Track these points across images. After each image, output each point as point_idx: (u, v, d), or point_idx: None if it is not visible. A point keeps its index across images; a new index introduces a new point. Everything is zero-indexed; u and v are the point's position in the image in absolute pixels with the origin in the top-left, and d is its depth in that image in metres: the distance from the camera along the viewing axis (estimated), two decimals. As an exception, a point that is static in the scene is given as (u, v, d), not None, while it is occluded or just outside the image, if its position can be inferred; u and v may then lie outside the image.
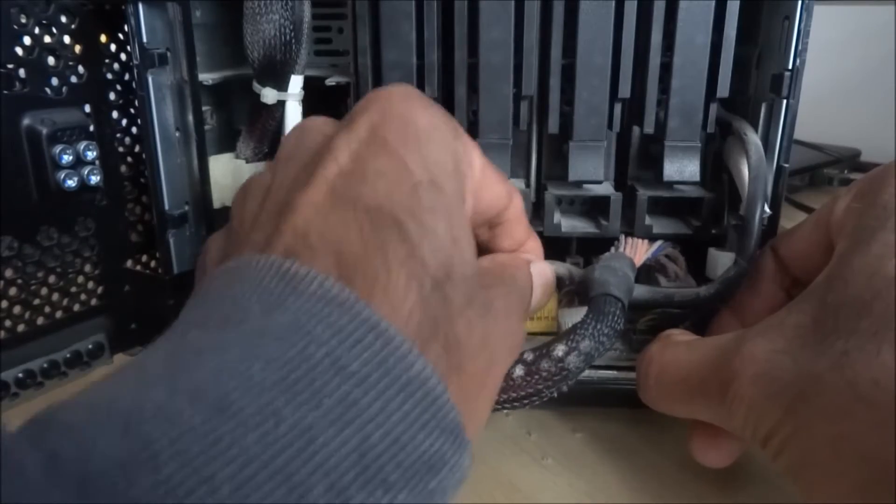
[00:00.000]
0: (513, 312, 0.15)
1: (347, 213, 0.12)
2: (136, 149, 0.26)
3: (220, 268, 0.12)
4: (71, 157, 0.22)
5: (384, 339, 0.11)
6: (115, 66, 0.25)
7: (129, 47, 0.23)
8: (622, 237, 0.22)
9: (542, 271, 0.17)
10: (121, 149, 0.25)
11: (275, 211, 0.13)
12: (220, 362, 0.10)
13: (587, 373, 0.22)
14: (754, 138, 0.21)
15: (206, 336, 0.11)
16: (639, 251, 0.20)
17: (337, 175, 0.12)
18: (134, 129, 0.25)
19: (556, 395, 0.16)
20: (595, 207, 0.24)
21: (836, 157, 0.49)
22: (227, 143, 0.26)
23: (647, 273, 0.23)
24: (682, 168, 0.22)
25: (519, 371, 0.16)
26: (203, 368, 0.10)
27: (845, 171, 0.49)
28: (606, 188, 0.23)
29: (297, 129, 0.15)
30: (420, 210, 0.12)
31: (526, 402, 0.16)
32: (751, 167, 0.20)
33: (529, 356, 0.16)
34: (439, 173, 0.13)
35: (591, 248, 0.24)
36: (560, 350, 0.16)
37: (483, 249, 0.17)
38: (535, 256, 0.18)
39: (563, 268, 0.19)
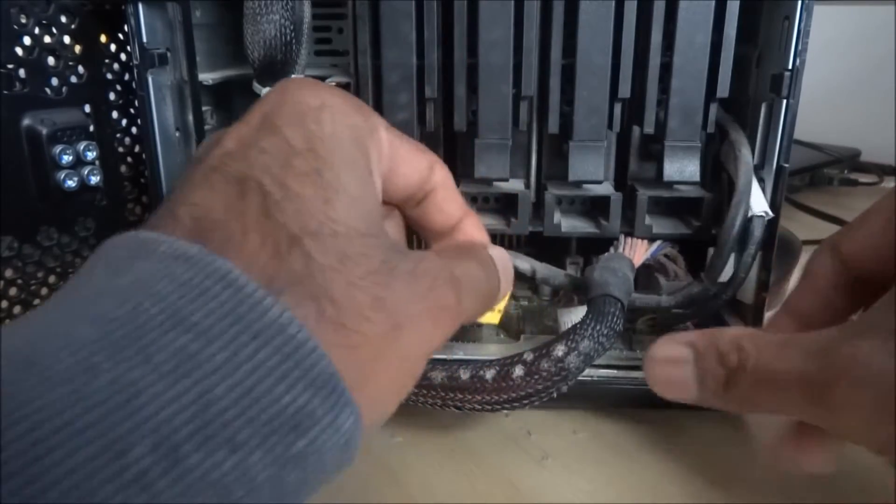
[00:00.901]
0: (447, 281, 0.13)
1: (217, 184, 0.12)
2: (136, 149, 0.26)
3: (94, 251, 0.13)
4: (71, 158, 0.22)
5: (233, 288, 0.10)
6: (115, 66, 0.25)
7: (128, 47, 0.23)
8: (622, 237, 0.22)
9: (502, 256, 0.16)
10: (121, 149, 0.25)
11: (174, 187, 0.13)
12: (43, 323, 0.10)
13: (587, 372, 0.22)
14: (747, 157, 0.21)
15: (46, 304, 0.11)
16: (638, 251, 0.20)
17: (220, 155, 0.13)
18: (134, 129, 0.25)
19: (555, 395, 0.16)
20: (595, 207, 0.24)
21: (836, 157, 0.49)
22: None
23: (646, 273, 0.23)
24: (682, 168, 0.22)
25: (519, 371, 0.16)
26: (25, 330, 0.10)
27: (845, 171, 0.50)
28: (606, 188, 0.23)
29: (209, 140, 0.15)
30: (288, 176, 0.12)
31: (525, 402, 0.16)
32: (737, 189, 0.20)
33: (529, 356, 0.16)
34: (324, 144, 0.13)
35: (591, 248, 0.24)
36: (560, 350, 0.16)
37: (418, 229, 0.16)
38: (482, 239, 0.17)
39: (526, 262, 0.18)
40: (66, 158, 0.22)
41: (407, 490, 0.19)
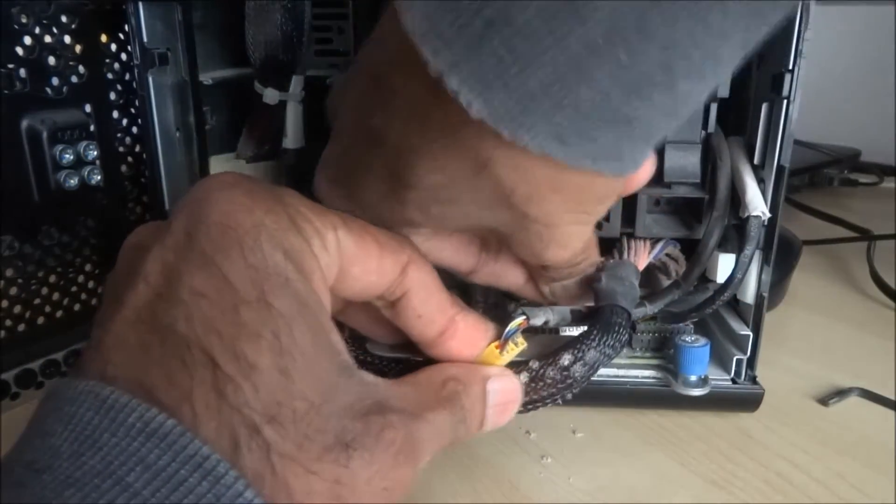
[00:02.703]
0: (409, 455, 0.12)
1: (155, 346, 0.11)
2: (137, 148, 0.26)
3: (45, 392, 0.11)
4: (71, 157, 0.22)
5: (211, 479, 0.10)
6: (116, 65, 0.25)
7: (129, 47, 0.23)
8: (623, 239, 0.22)
9: (504, 391, 0.15)
10: (121, 149, 0.25)
11: (96, 333, 0.12)
12: None
13: None
14: (726, 167, 0.21)
15: (8, 483, 0.10)
16: (642, 255, 0.20)
17: (148, 300, 0.11)
18: (134, 129, 0.25)
19: (560, 402, 0.16)
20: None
21: (836, 157, 0.49)
22: (227, 143, 0.26)
23: (648, 272, 0.23)
24: (683, 168, 0.22)
25: (524, 378, 0.16)
26: None
27: (845, 171, 0.50)
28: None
29: (125, 243, 0.14)
30: (241, 340, 0.11)
31: (529, 407, 0.16)
32: (717, 201, 0.20)
33: (535, 364, 0.16)
34: (270, 284, 0.11)
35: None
36: (566, 359, 0.16)
37: (406, 332, 0.15)
38: (476, 350, 0.15)
39: (542, 317, 0.18)
40: (67, 158, 0.22)
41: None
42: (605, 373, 0.22)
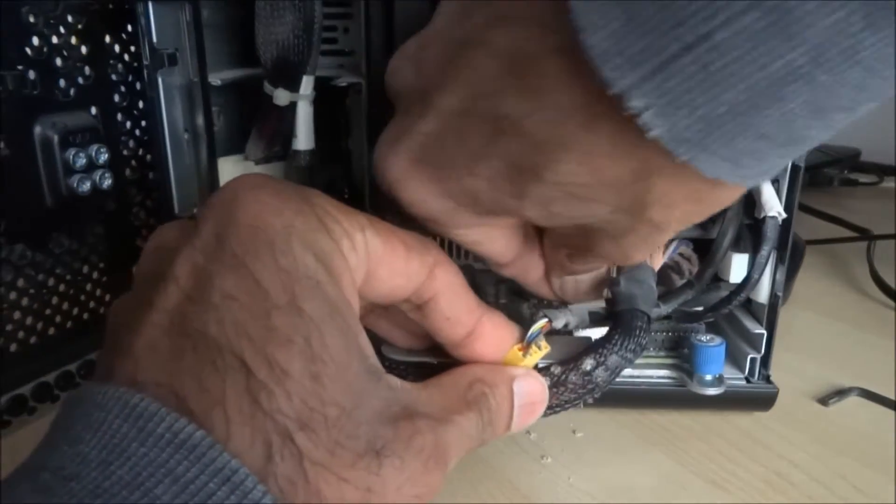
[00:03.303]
0: (438, 460, 0.12)
1: (187, 351, 0.11)
2: (140, 152, 0.25)
3: (70, 395, 0.11)
4: (84, 161, 0.22)
5: (239, 493, 0.09)
6: (120, 67, 0.24)
7: (133, 48, 0.23)
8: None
9: (530, 392, 0.15)
10: (125, 152, 0.25)
11: (125, 332, 0.12)
12: None
13: None
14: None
15: (35, 488, 0.10)
16: (657, 255, 0.20)
17: (178, 302, 0.11)
18: (138, 132, 0.25)
19: (581, 407, 0.16)
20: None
21: (836, 157, 0.49)
22: (235, 145, 0.26)
23: (661, 272, 0.23)
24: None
25: (546, 382, 0.16)
26: None
27: (845, 171, 0.50)
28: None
29: (149, 243, 0.13)
30: (273, 345, 0.11)
31: (550, 412, 0.16)
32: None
33: (557, 369, 0.16)
34: (301, 287, 0.11)
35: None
36: (588, 364, 0.16)
37: (428, 332, 0.15)
38: (502, 349, 0.15)
39: (562, 319, 0.18)
40: (80, 162, 0.22)
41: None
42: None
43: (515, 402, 0.15)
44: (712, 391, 0.21)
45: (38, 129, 0.21)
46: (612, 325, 0.17)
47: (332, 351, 0.11)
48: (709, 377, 0.22)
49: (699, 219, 0.13)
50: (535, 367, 0.16)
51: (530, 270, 0.17)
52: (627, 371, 0.22)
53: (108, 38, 0.23)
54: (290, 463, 0.10)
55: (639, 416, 0.23)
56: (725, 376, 0.22)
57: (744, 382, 0.22)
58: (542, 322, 0.16)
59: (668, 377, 0.23)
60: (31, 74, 0.21)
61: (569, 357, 0.16)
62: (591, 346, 0.16)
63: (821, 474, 0.21)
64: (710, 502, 0.19)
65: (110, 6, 0.23)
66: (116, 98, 0.24)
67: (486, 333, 0.15)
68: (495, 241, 0.16)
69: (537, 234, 0.17)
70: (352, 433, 0.11)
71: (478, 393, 0.14)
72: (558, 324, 0.18)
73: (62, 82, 0.22)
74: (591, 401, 0.16)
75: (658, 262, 0.20)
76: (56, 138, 0.21)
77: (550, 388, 0.16)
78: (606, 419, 0.23)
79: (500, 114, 0.12)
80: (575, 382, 0.16)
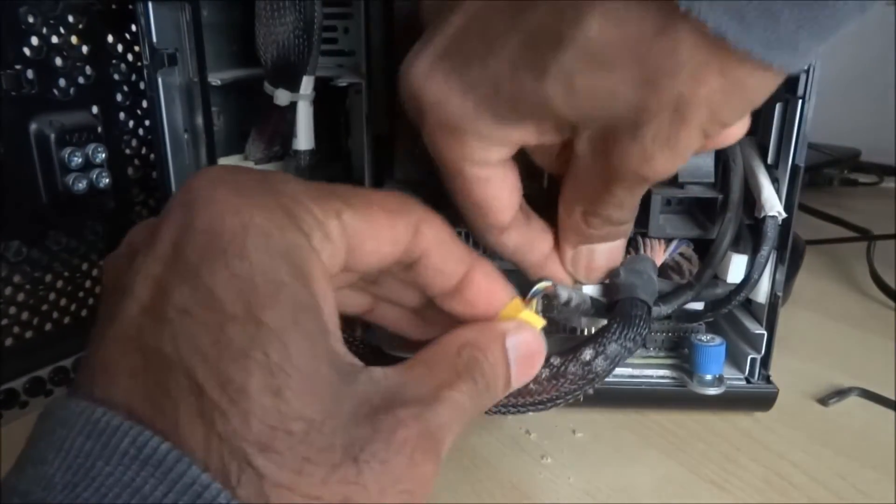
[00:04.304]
0: (427, 450, 0.11)
1: (141, 369, 0.10)
2: (143, 151, 0.25)
3: (40, 416, 0.11)
4: (80, 160, 0.22)
5: None
6: (122, 66, 0.24)
7: (136, 47, 0.23)
8: (639, 238, 0.22)
9: (525, 343, 0.14)
10: (127, 151, 0.25)
11: (92, 343, 0.11)
12: None
13: None
14: (740, 169, 0.21)
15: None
16: (658, 252, 0.20)
17: (135, 316, 0.10)
18: (141, 131, 0.25)
19: (581, 398, 0.16)
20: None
21: (836, 157, 0.49)
22: (234, 145, 0.26)
23: (661, 272, 0.23)
24: (697, 168, 0.22)
25: (545, 374, 0.16)
26: None
27: (845, 171, 0.50)
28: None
29: (121, 245, 0.13)
30: (227, 361, 0.10)
31: (551, 404, 0.16)
32: (729, 203, 0.20)
33: (556, 360, 0.16)
34: (258, 295, 0.10)
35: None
36: (588, 354, 0.16)
37: (417, 288, 0.14)
38: (498, 296, 0.14)
39: (566, 291, 0.18)
40: (76, 161, 0.22)
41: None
42: (619, 373, 0.22)
43: (511, 357, 0.14)
44: (712, 391, 0.21)
45: (34, 128, 0.21)
46: (612, 315, 0.17)
47: (297, 360, 0.10)
48: (709, 377, 0.22)
49: (727, 112, 0.13)
50: None
51: (535, 243, 0.17)
52: (627, 371, 0.23)
53: (110, 38, 0.23)
54: (251, 488, 0.10)
55: (639, 416, 0.23)
56: (725, 376, 0.22)
57: (744, 382, 0.22)
58: (545, 283, 0.16)
59: (668, 377, 0.23)
60: (30, 74, 0.21)
61: (568, 348, 0.16)
62: (590, 337, 0.16)
63: (821, 474, 0.21)
64: (710, 502, 0.19)
65: (113, 6, 0.23)
66: (119, 97, 0.24)
67: (478, 280, 0.14)
68: (504, 182, 0.15)
69: (546, 208, 0.16)
70: (324, 445, 0.10)
71: (468, 359, 0.13)
72: (562, 295, 0.17)
73: (62, 81, 0.22)
74: (590, 391, 0.16)
75: (658, 259, 0.20)
76: (53, 137, 0.21)
77: (550, 379, 0.16)
78: (606, 419, 0.23)
79: None
80: (575, 373, 0.16)
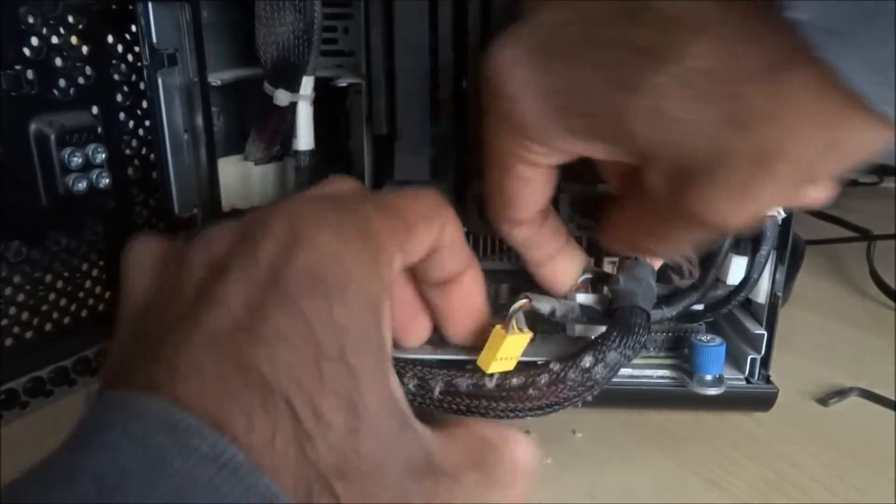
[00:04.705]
0: None
1: (238, 383, 0.10)
2: (143, 151, 0.25)
3: (102, 398, 0.11)
4: (80, 160, 0.22)
5: None
6: (122, 67, 0.24)
7: (136, 48, 0.23)
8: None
9: (523, 458, 0.14)
10: (128, 151, 0.25)
11: (157, 341, 0.11)
12: None
13: None
14: None
15: (74, 492, 0.09)
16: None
17: (228, 329, 0.11)
18: (141, 132, 0.25)
19: (580, 405, 0.16)
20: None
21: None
22: (234, 145, 0.26)
23: (660, 272, 0.23)
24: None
25: (545, 380, 0.16)
26: None
27: (845, 171, 0.50)
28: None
29: (187, 254, 0.13)
30: (320, 396, 0.11)
31: (549, 410, 0.16)
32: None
33: (556, 366, 0.16)
34: (351, 341, 0.11)
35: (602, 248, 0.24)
36: (587, 361, 0.16)
37: (419, 275, 0.16)
38: (477, 302, 0.16)
39: (547, 304, 0.18)
40: (76, 161, 0.22)
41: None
42: (619, 373, 0.21)
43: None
44: (713, 391, 0.21)
45: (34, 128, 0.21)
46: (612, 323, 0.17)
47: (370, 405, 0.11)
48: (709, 377, 0.22)
49: (820, 170, 0.12)
50: (535, 363, 0.16)
51: (543, 243, 0.18)
52: (627, 371, 0.23)
53: (110, 38, 0.23)
54: None
55: (639, 416, 0.23)
56: (725, 376, 0.22)
57: (744, 383, 0.22)
58: (521, 301, 0.16)
59: (668, 377, 0.23)
60: (30, 74, 0.21)
61: (568, 354, 0.16)
62: (590, 344, 0.16)
63: (821, 474, 0.21)
64: (710, 502, 0.19)
65: (113, 6, 0.23)
66: (119, 98, 0.24)
67: (466, 282, 0.16)
68: (542, 185, 0.16)
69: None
70: (383, 485, 0.11)
71: (489, 455, 0.14)
72: (543, 307, 0.18)
73: (62, 82, 0.22)
74: (589, 398, 0.16)
75: (657, 261, 0.20)
76: (53, 137, 0.21)
77: (549, 385, 0.16)
78: (606, 419, 0.23)
79: None
80: (574, 379, 0.16)
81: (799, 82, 0.11)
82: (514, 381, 0.16)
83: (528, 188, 0.16)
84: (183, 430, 0.10)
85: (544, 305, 0.18)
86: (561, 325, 0.22)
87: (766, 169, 0.12)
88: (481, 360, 0.16)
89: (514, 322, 0.16)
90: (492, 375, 0.16)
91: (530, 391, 0.16)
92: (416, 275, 0.16)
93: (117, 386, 0.11)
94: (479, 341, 0.17)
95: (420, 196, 0.14)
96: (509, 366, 0.17)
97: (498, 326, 0.16)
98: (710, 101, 0.12)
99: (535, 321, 0.18)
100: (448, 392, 0.16)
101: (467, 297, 0.16)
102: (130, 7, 0.21)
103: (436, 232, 0.14)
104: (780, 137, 0.11)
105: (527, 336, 0.16)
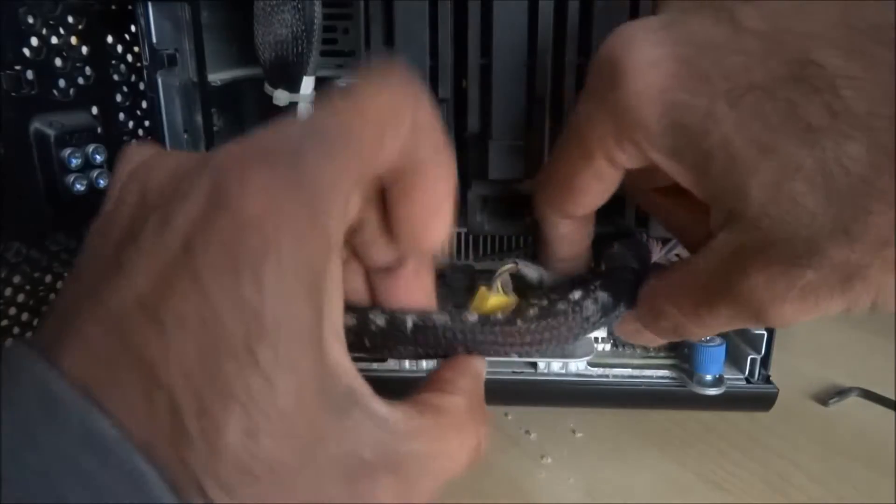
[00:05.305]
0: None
1: (122, 366, 0.09)
2: (143, 151, 0.25)
3: (7, 352, 0.10)
4: (80, 161, 0.22)
5: None
6: (122, 67, 0.24)
7: (135, 48, 0.23)
8: (636, 235, 0.22)
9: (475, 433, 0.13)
10: (127, 151, 0.25)
11: (75, 302, 0.10)
12: None
13: (587, 372, 0.22)
14: None
15: None
16: (654, 252, 0.20)
17: (127, 305, 0.10)
18: (140, 132, 0.25)
19: (567, 342, 0.15)
20: (609, 206, 0.24)
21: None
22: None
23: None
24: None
25: (533, 312, 0.14)
26: None
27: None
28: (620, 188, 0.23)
29: (111, 209, 0.11)
30: (211, 393, 0.09)
31: (536, 347, 0.15)
32: None
33: (544, 301, 0.15)
34: (260, 327, 0.09)
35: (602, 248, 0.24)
36: (577, 294, 0.15)
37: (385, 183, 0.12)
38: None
39: (535, 271, 0.17)
40: (75, 161, 0.22)
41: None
42: (619, 373, 0.22)
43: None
44: (713, 391, 0.21)
45: (34, 128, 0.21)
46: (604, 275, 0.16)
47: (282, 403, 0.10)
48: (709, 377, 0.22)
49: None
50: (522, 301, 0.15)
51: (578, 241, 0.17)
52: (627, 371, 0.23)
53: (110, 39, 0.23)
54: None
55: (639, 416, 0.23)
56: (725, 376, 0.22)
57: (744, 383, 0.22)
58: (509, 265, 0.16)
59: (668, 377, 0.23)
60: (30, 74, 0.21)
61: (557, 286, 0.16)
62: (578, 279, 0.16)
63: (821, 474, 0.21)
64: (710, 502, 0.19)
65: (112, 7, 0.23)
66: (118, 98, 0.24)
67: (430, 174, 0.12)
68: (611, 187, 0.15)
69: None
70: (289, 492, 0.10)
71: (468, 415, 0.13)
72: (531, 274, 0.17)
73: (62, 82, 0.22)
74: (580, 338, 0.15)
75: (654, 255, 0.20)
76: (53, 137, 0.21)
77: (539, 318, 0.14)
78: (606, 419, 0.23)
79: (808, 58, 0.10)
80: (564, 311, 0.15)
81: None
82: (500, 314, 0.14)
83: (599, 185, 0.15)
84: (54, 400, 0.09)
85: (532, 272, 0.17)
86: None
87: (851, 288, 0.11)
88: None
89: (498, 283, 0.16)
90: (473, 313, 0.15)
91: (518, 323, 0.14)
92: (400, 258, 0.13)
93: (40, 335, 0.10)
94: (432, 243, 0.13)
95: (374, 87, 0.11)
96: None
97: (483, 287, 0.16)
98: (843, 204, 0.11)
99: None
100: (422, 327, 0.14)
101: (432, 188, 0.12)
102: (130, 7, 0.21)
103: (405, 130, 0.11)
104: (887, 268, 0.11)
105: (511, 300, 0.15)
